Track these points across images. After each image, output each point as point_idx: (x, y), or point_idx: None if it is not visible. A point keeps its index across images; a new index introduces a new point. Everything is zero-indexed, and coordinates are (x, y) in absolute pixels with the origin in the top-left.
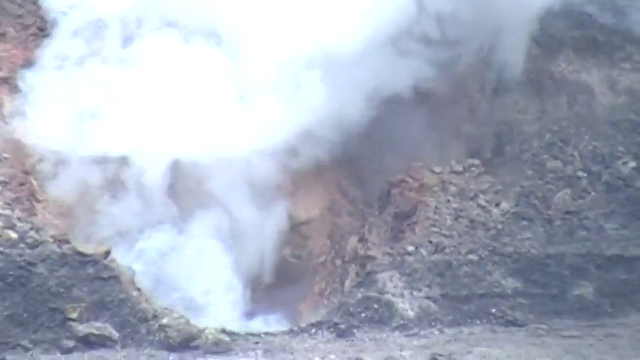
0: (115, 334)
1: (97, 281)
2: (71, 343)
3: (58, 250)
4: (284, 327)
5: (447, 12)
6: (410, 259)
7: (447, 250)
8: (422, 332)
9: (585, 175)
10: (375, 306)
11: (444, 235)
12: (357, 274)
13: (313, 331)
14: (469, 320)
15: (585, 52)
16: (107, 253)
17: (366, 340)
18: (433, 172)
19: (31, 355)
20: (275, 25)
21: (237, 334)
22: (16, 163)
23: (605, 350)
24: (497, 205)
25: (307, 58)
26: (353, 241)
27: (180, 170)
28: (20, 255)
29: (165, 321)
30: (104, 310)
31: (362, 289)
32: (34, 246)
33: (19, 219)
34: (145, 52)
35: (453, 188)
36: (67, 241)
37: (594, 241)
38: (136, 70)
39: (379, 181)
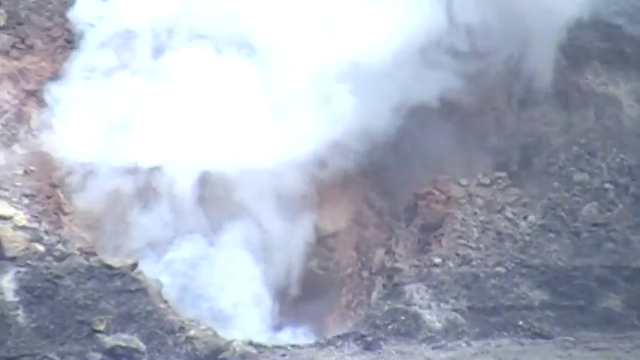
0: (142, 347)
1: (124, 294)
2: (98, 356)
3: (85, 262)
4: (311, 339)
5: (476, 23)
6: (437, 271)
7: (474, 263)
8: (449, 344)
9: (612, 187)
10: (402, 318)
11: (471, 248)
12: (383, 286)
13: (340, 343)
14: (496, 332)
15: (613, 64)
16: (134, 266)
17: (393, 352)
18: (460, 184)
19: None
20: (306, 36)
21: (265, 347)
22: (43, 176)
23: None
24: (524, 217)
25: (337, 70)
26: (380, 253)
27: (209, 181)
28: (47, 268)
29: (192, 333)
30: (131, 323)
31: (389, 302)
32: (61, 259)
33: (46, 232)
34: (175, 64)
35: (479, 201)
36: (94, 254)
37: (621, 254)
38: (167, 81)
39: (405, 192)
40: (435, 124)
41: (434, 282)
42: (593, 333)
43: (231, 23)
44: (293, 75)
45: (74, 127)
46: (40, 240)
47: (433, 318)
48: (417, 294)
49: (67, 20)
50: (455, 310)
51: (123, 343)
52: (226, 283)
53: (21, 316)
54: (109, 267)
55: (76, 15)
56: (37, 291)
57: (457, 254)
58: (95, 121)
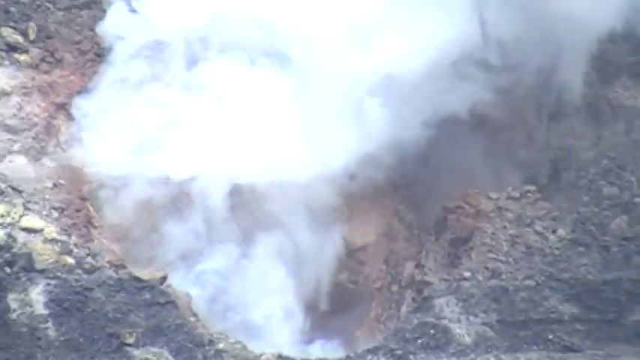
0: None
1: (153, 306)
2: None
3: (114, 275)
4: (341, 353)
5: (508, 37)
6: (466, 284)
7: (504, 276)
8: (478, 358)
9: None
10: (432, 332)
11: (501, 261)
12: (413, 299)
13: (369, 357)
14: (526, 346)
15: None
16: (164, 279)
17: None
18: (489, 198)
19: None
20: (340, 49)
21: None
22: (73, 190)
23: None
24: (553, 231)
25: (370, 83)
26: (409, 266)
27: (240, 193)
28: (77, 280)
29: (221, 346)
30: (160, 336)
31: (418, 315)
32: (90, 271)
33: (75, 245)
34: (209, 75)
35: (509, 214)
36: (124, 267)
37: None
38: (199, 93)
39: (435, 206)
40: (465, 137)
41: (463, 295)
42: (622, 346)
43: (266, 34)
44: (326, 87)
45: (104, 140)
46: (69, 253)
47: (463, 332)
48: (447, 307)
49: (96, 34)
50: (484, 324)
51: (152, 357)
52: (258, 295)
53: (50, 328)
54: (139, 280)
55: (106, 28)
56: (67, 304)
57: (487, 268)
58: (126, 134)
